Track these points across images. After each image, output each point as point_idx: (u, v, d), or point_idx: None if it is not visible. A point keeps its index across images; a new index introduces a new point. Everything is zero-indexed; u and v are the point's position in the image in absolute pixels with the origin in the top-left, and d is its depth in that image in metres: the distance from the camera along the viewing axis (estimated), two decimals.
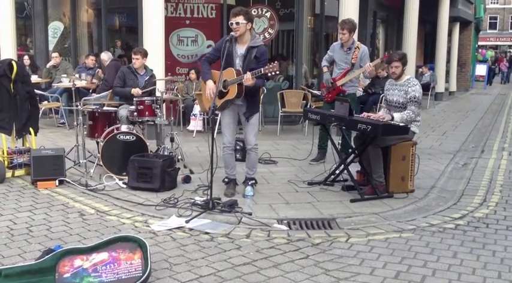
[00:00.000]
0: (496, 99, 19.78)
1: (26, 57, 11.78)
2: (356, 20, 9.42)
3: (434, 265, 4.12)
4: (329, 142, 6.95)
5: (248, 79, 5.38)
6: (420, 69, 17.24)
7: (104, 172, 6.44)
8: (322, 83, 7.76)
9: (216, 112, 5.84)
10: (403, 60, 6.02)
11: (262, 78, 5.59)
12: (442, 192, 6.23)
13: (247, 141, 5.90)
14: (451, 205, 5.73)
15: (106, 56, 10.01)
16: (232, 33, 5.53)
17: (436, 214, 5.41)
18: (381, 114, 5.99)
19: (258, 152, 6.02)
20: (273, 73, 5.39)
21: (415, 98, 5.87)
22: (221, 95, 5.64)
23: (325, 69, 7.53)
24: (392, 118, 5.83)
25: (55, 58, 11.48)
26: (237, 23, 5.44)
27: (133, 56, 7.31)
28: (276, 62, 5.42)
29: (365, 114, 6.28)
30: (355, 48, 7.21)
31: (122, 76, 7.28)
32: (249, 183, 5.90)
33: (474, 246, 4.54)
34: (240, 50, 5.62)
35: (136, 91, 7.05)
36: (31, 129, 6.69)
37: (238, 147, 7.12)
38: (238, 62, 5.61)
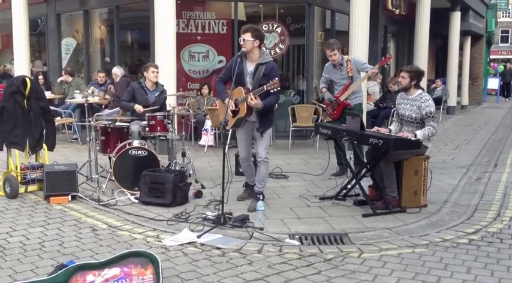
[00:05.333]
0: (509, 113, 19.64)
1: (40, 77, 11.95)
2: (367, 34, 9.49)
3: (448, 281, 4.07)
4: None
5: (252, 99, 5.47)
6: (434, 84, 17.18)
7: (116, 187, 6.47)
8: (325, 103, 7.79)
9: (231, 129, 5.87)
10: (413, 74, 5.98)
11: (276, 94, 5.63)
12: (455, 206, 6.18)
13: (258, 154, 5.95)
14: (465, 220, 5.68)
15: (118, 71, 10.09)
16: (242, 49, 5.65)
17: (449, 229, 5.36)
18: (405, 134, 5.92)
19: (268, 166, 6.06)
20: (275, 90, 5.44)
21: (431, 114, 5.84)
22: (234, 113, 5.73)
23: (324, 90, 7.60)
24: (415, 136, 5.78)
25: (66, 76, 11.64)
26: (244, 40, 5.60)
27: (153, 69, 7.29)
28: (276, 78, 5.46)
29: (376, 128, 6.26)
30: (347, 62, 7.28)
31: (131, 91, 7.30)
32: (260, 198, 5.89)
33: (488, 261, 4.48)
34: (250, 67, 5.72)
35: (138, 108, 7.08)
36: (44, 145, 6.74)
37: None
38: (248, 79, 5.72)
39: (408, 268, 4.32)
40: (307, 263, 4.42)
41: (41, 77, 11.95)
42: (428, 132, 5.81)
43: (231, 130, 6.17)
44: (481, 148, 10.55)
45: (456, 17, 17.83)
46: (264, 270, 4.25)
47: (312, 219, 5.57)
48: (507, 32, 53.43)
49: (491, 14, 24.54)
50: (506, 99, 26.61)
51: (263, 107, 5.60)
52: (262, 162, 5.92)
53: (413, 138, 5.72)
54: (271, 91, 5.45)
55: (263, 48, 5.81)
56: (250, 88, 5.63)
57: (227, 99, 5.69)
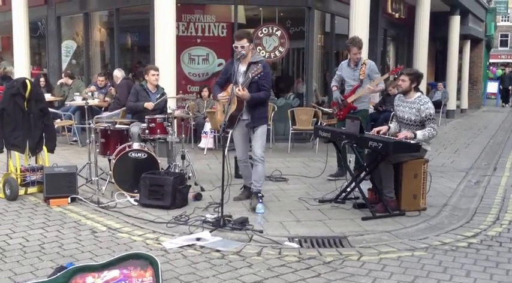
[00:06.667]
0: (508, 117, 19.66)
1: (42, 78, 11.98)
2: (366, 38, 9.52)
3: None
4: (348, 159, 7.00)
5: (239, 90, 5.67)
6: (436, 88, 17.21)
7: (116, 189, 6.47)
8: (332, 102, 7.84)
9: (227, 130, 5.98)
10: (412, 76, 5.99)
11: (266, 91, 5.90)
12: (454, 210, 6.18)
13: (254, 153, 6.06)
14: (464, 224, 5.68)
15: (119, 73, 10.09)
16: (242, 52, 5.85)
17: (448, 233, 5.36)
18: (405, 133, 5.90)
19: (264, 165, 6.13)
20: (259, 75, 5.72)
21: (431, 116, 5.85)
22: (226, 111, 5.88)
23: (334, 88, 7.65)
24: (415, 136, 5.79)
25: (66, 79, 11.67)
26: (242, 47, 5.82)
27: (153, 72, 7.39)
28: (259, 64, 5.74)
29: (375, 130, 6.26)
30: (362, 65, 7.32)
31: (135, 93, 7.39)
32: (259, 200, 5.91)
33: (487, 265, 4.49)
34: (242, 67, 5.95)
35: (149, 105, 7.15)
36: (44, 147, 6.74)
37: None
38: (240, 79, 5.91)
39: (407, 272, 4.32)
40: (306, 266, 4.42)
41: (42, 79, 11.98)
42: (428, 133, 5.82)
43: (230, 132, 6.23)
44: (481, 152, 10.56)
45: (456, 20, 17.87)
46: (264, 273, 4.25)
47: (312, 222, 5.58)
48: (506, 36, 53.50)
49: (490, 17, 24.58)
50: (506, 105, 25.56)
51: (251, 98, 5.78)
52: (258, 160, 6.03)
53: (412, 141, 5.72)
54: (256, 77, 5.72)
55: (254, 49, 6.15)
56: (240, 86, 5.80)
57: (219, 94, 5.95)
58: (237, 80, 5.88)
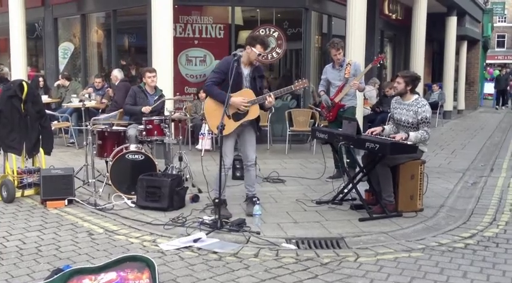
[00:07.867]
0: (505, 118, 19.71)
1: (41, 78, 11.99)
2: (363, 39, 9.54)
3: None
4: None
5: (273, 99, 5.66)
6: (431, 89, 17.24)
7: (113, 191, 6.46)
8: (321, 105, 7.87)
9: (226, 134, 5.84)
10: (407, 79, 5.99)
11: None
12: (451, 211, 6.19)
13: (248, 158, 5.90)
14: (461, 225, 5.69)
15: (119, 74, 10.06)
16: (236, 52, 5.73)
17: (445, 234, 5.37)
18: (400, 135, 5.90)
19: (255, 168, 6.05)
20: (302, 89, 5.77)
21: (426, 119, 5.86)
22: (238, 117, 5.67)
23: (322, 93, 7.78)
24: (408, 136, 5.80)
25: (63, 80, 11.69)
26: (264, 56, 5.82)
27: (148, 74, 7.39)
28: (305, 78, 5.76)
29: (369, 131, 6.26)
30: (347, 65, 7.40)
31: (133, 95, 7.39)
32: (257, 202, 5.87)
33: (484, 266, 4.50)
34: (246, 70, 5.77)
35: (146, 108, 7.14)
36: (41, 149, 6.74)
37: (238, 166, 7.17)
38: (245, 82, 5.75)
39: (404, 273, 4.33)
40: (303, 267, 4.43)
41: (41, 79, 12.00)
42: (421, 136, 5.83)
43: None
44: (477, 153, 10.58)
45: (452, 21, 17.92)
46: (261, 274, 4.26)
47: (309, 223, 5.58)
48: (503, 36, 53.58)
49: (487, 18, 24.65)
50: (503, 107, 24.85)
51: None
52: (252, 165, 5.92)
53: (408, 142, 5.73)
54: (298, 90, 5.72)
55: None
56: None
57: (237, 98, 5.55)
58: (241, 84, 5.68)
